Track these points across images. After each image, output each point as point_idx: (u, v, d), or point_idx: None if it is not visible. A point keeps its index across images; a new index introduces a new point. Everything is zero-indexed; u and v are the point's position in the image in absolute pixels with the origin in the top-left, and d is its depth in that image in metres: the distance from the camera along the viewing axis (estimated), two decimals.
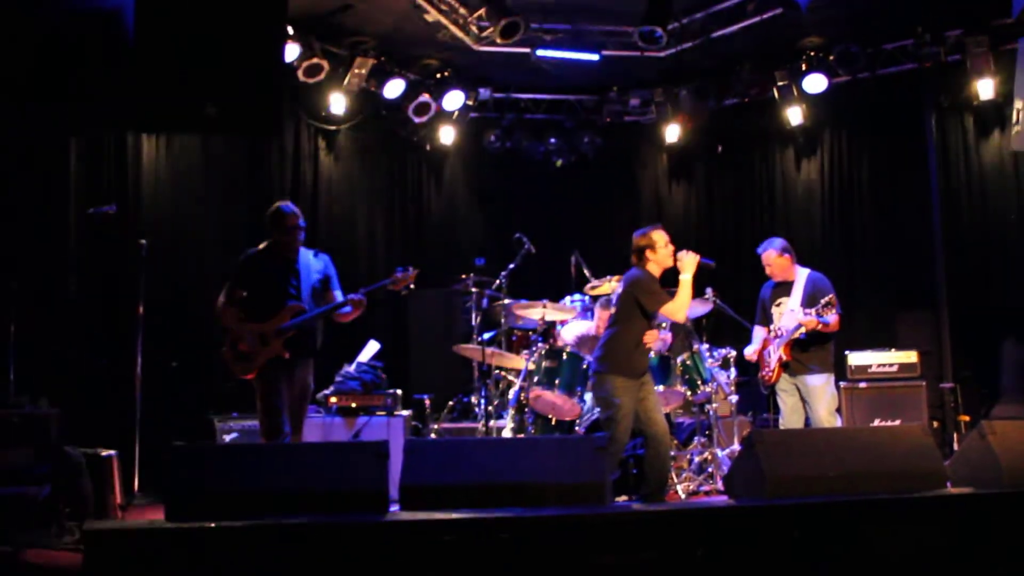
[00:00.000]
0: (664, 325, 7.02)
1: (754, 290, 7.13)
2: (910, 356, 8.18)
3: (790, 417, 6.65)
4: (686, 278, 5.84)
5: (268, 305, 5.68)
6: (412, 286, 5.99)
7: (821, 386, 6.57)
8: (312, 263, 5.85)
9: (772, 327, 6.73)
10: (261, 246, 5.87)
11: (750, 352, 6.80)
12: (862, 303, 6.87)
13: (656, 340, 6.03)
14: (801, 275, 6.74)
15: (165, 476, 4.44)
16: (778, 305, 6.76)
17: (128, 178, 8.31)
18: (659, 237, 5.95)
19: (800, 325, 6.45)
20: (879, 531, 4.20)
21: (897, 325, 8.95)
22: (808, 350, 6.58)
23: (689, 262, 5.87)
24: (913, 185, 9.29)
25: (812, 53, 9.09)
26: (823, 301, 6.37)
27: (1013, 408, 8.09)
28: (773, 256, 6.77)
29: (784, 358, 6.57)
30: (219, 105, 5.52)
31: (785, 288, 6.76)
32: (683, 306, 5.82)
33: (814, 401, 6.54)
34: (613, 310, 6.08)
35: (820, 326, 6.39)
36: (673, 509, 4.85)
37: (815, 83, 9.14)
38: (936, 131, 9.19)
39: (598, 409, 6.74)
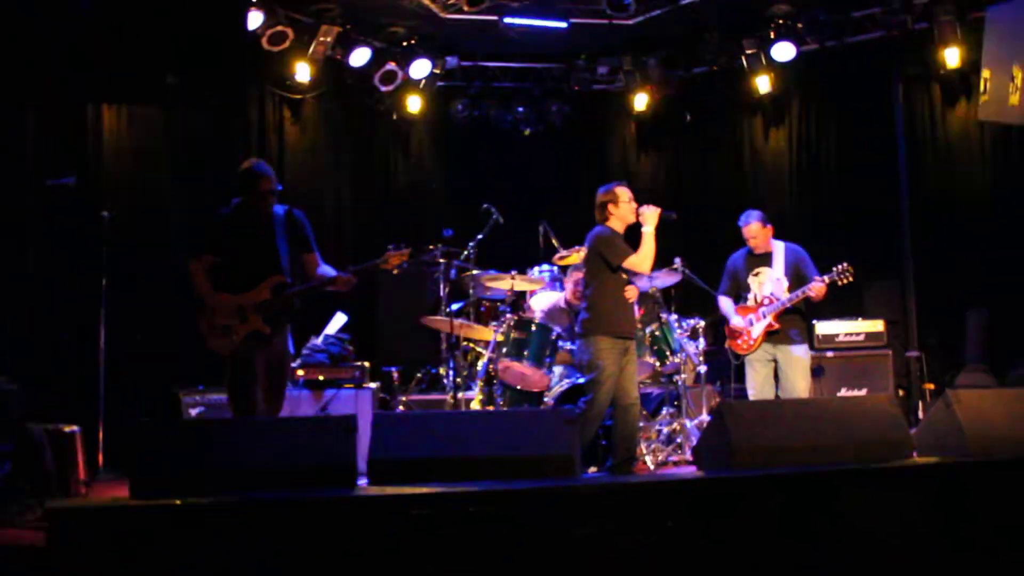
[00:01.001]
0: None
1: (725, 259, 7.13)
2: (877, 325, 8.23)
3: (762, 388, 6.65)
4: (648, 230, 5.92)
5: (245, 276, 5.30)
6: (405, 265, 5.64)
7: (802, 356, 6.63)
8: (286, 224, 5.47)
9: (753, 296, 6.72)
10: (232, 206, 5.46)
11: (738, 322, 6.72)
12: (828, 272, 6.93)
13: (635, 295, 6.04)
14: (778, 246, 6.77)
15: (130, 453, 4.38)
16: (756, 275, 6.75)
17: (88, 148, 8.17)
18: (621, 192, 6.04)
19: (801, 293, 6.48)
20: (847, 501, 4.23)
21: (864, 294, 8.98)
22: (791, 319, 6.62)
23: (650, 215, 5.95)
24: (880, 153, 9.33)
25: (780, 21, 9.07)
26: (839, 268, 6.45)
27: (977, 376, 8.18)
28: (758, 227, 6.76)
29: (775, 326, 6.58)
30: (180, 75, 5.45)
31: (763, 259, 6.76)
32: (646, 258, 5.88)
33: (794, 371, 6.56)
34: (583, 272, 6.11)
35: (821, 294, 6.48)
36: (643, 481, 4.86)
37: (783, 51, 9.13)
38: (903, 100, 9.24)
39: (566, 380, 6.76)
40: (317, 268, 5.51)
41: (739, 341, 6.73)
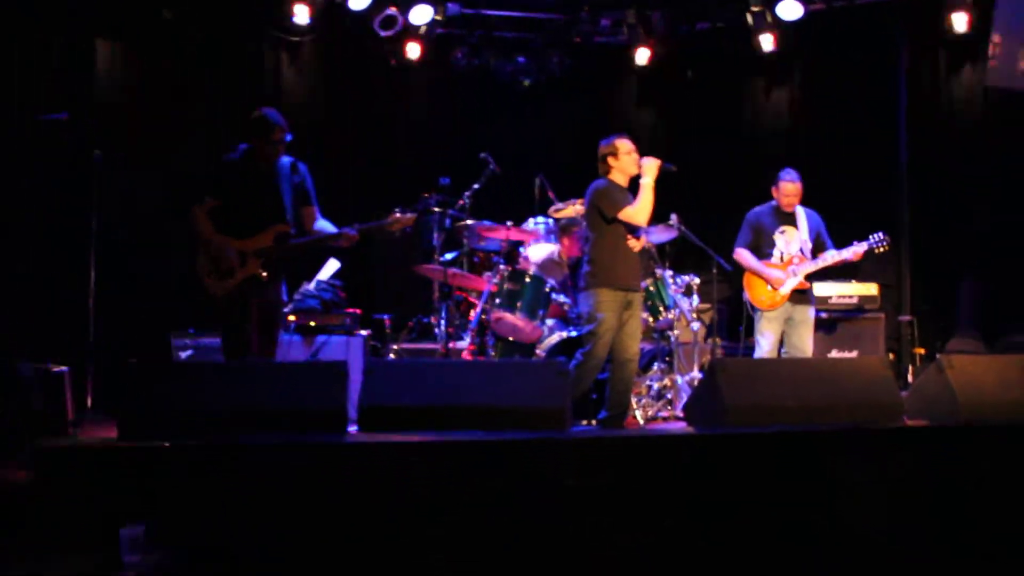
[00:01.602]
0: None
1: (722, 217, 7.09)
2: (870, 288, 8.23)
3: (775, 345, 6.64)
4: (647, 182, 5.88)
5: (249, 222, 5.35)
6: (409, 230, 5.69)
7: (812, 316, 6.71)
8: (290, 174, 5.50)
9: (780, 253, 6.68)
10: (240, 151, 5.48)
11: (778, 275, 6.60)
12: (867, 239, 6.93)
13: (639, 246, 6.00)
14: (799, 208, 6.78)
15: (119, 394, 4.36)
16: (782, 232, 6.72)
17: (82, 84, 8.06)
18: (622, 144, 6.01)
19: (839, 256, 6.55)
20: (839, 461, 4.23)
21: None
22: (809, 280, 6.66)
23: (650, 166, 5.92)
24: (882, 117, 9.25)
25: None
26: (877, 238, 6.57)
27: (967, 343, 8.20)
28: (799, 186, 6.73)
29: (805, 286, 6.60)
30: (175, 9, 5.33)
31: (789, 217, 6.75)
32: (642, 209, 5.84)
33: (807, 331, 6.61)
34: (583, 226, 6.10)
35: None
36: (635, 435, 4.86)
37: (790, 10, 9.00)
38: (908, 63, 9.13)
39: (559, 332, 6.75)
40: (315, 222, 5.57)
41: (763, 297, 6.66)
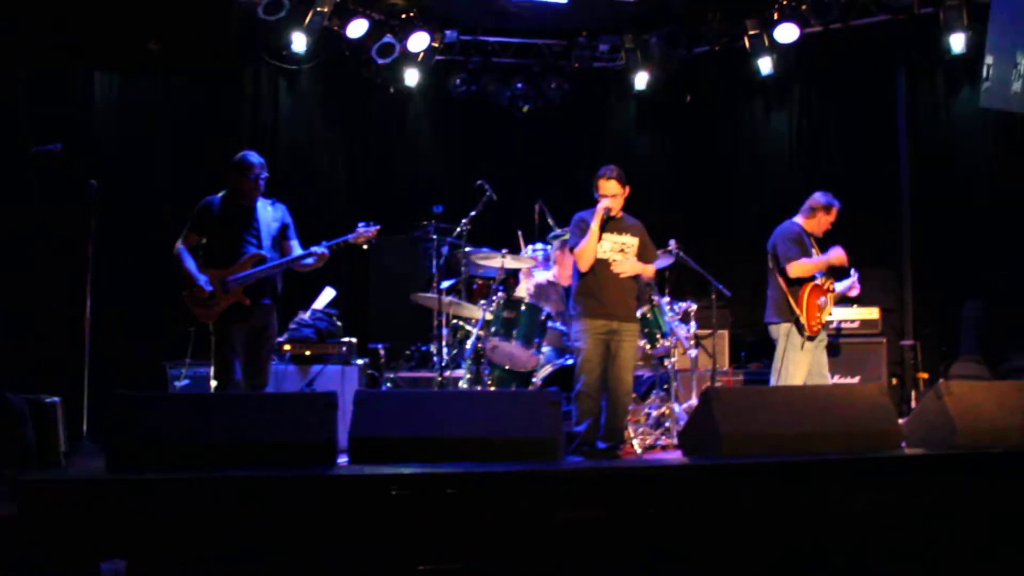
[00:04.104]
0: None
1: (720, 243, 7.00)
2: (872, 312, 8.16)
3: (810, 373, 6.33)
4: (592, 225, 5.84)
5: (228, 252, 5.60)
6: (374, 242, 5.90)
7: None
8: (270, 212, 5.77)
9: (819, 277, 6.42)
10: (220, 194, 5.74)
11: (847, 285, 6.49)
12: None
13: (625, 269, 5.92)
14: None
15: (107, 425, 4.33)
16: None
17: (77, 115, 8.09)
18: (600, 183, 5.95)
19: (850, 282, 6.51)
20: (833, 491, 4.17)
21: (861, 281, 8.90)
22: None
23: (598, 210, 5.88)
24: (881, 139, 9.21)
25: (784, 2, 8.94)
26: (855, 275, 6.56)
27: (971, 367, 8.11)
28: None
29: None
30: (163, 41, 5.38)
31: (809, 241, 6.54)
32: (581, 253, 5.83)
33: (824, 356, 6.42)
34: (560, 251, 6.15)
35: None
36: (626, 467, 4.80)
37: (787, 32, 9.00)
38: (907, 85, 9.11)
39: (555, 361, 6.70)
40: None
41: (814, 322, 6.31)
